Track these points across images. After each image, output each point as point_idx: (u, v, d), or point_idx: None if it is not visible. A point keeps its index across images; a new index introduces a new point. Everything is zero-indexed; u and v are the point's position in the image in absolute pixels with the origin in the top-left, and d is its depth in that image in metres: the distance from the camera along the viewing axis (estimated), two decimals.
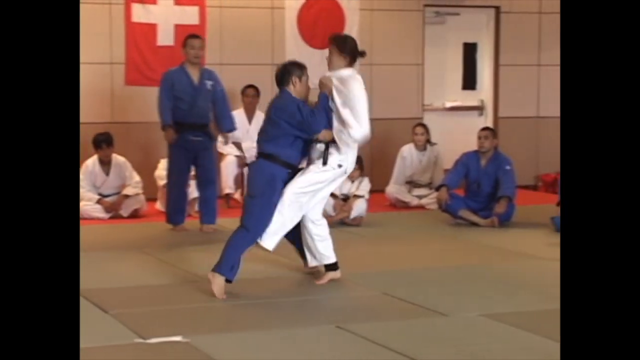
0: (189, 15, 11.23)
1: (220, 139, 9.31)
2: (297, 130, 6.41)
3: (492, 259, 7.77)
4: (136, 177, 10.08)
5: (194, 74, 8.90)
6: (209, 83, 8.92)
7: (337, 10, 11.89)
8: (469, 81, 13.15)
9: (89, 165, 9.91)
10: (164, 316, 5.75)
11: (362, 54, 6.62)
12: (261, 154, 6.51)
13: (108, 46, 10.96)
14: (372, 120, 6.65)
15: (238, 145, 10.78)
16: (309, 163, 6.53)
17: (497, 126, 12.37)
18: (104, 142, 9.87)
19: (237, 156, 10.76)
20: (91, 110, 10.52)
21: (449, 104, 13.08)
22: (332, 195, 8.65)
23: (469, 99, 13.14)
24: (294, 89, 6.49)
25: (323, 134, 6.44)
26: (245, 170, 10.82)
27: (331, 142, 6.45)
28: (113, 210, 9.94)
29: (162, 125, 8.83)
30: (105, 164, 10.00)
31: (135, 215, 10.02)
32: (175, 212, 9.05)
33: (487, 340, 5.19)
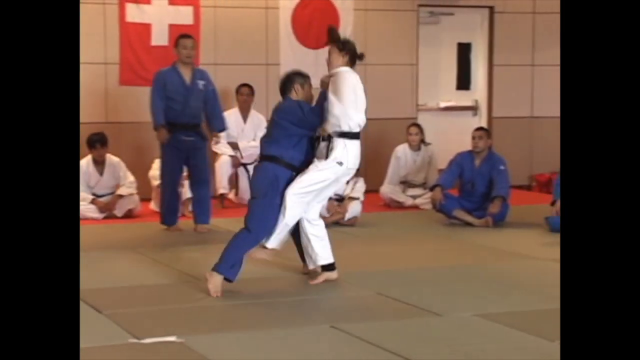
0: (183, 15, 11.23)
1: (215, 139, 9.30)
2: (300, 128, 6.45)
3: (486, 259, 7.78)
4: (130, 177, 10.07)
5: (186, 74, 8.89)
6: (201, 83, 8.91)
7: (332, 10, 11.90)
8: (463, 81, 13.16)
9: (83, 165, 9.89)
10: (158, 316, 5.75)
11: (361, 56, 6.64)
12: (264, 156, 6.54)
13: (102, 46, 10.95)
14: (367, 120, 6.66)
15: (233, 145, 10.78)
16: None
17: (491, 126, 12.38)
18: (98, 142, 9.86)
19: (231, 156, 10.75)
20: (85, 110, 10.46)
21: (443, 104, 13.09)
22: None
23: (463, 99, 13.15)
24: (297, 96, 6.59)
25: (323, 129, 6.47)
26: (240, 170, 10.85)
27: (331, 138, 6.47)
28: (107, 211, 9.93)
29: (155, 125, 8.82)
30: (99, 164, 9.99)
31: (129, 215, 10.01)
32: (169, 212, 9.04)
33: (481, 340, 5.19)
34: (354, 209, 9.37)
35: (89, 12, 10.64)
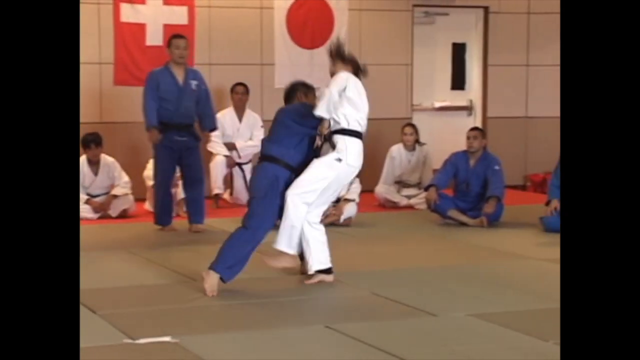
0: (178, 15, 11.22)
1: (212, 138, 9.31)
2: (302, 127, 6.49)
3: (481, 259, 7.78)
4: (125, 177, 10.06)
5: (179, 74, 8.88)
6: (193, 83, 8.91)
7: (326, 10, 11.90)
8: (458, 81, 13.17)
9: None
10: (153, 316, 5.74)
11: (365, 72, 6.65)
12: (264, 157, 6.55)
13: (97, 46, 10.94)
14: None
15: (231, 145, 10.77)
16: None
17: (486, 126, 12.39)
18: (92, 142, 9.84)
19: (226, 156, 10.75)
20: (80, 110, 10.47)
21: (437, 104, 13.09)
22: None
23: (457, 99, 13.16)
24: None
25: (323, 127, 6.50)
26: (235, 170, 10.84)
27: (331, 135, 6.49)
28: (102, 211, 9.92)
29: (147, 126, 8.81)
30: (94, 164, 9.98)
31: (123, 215, 10.00)
32: (163, 212, 9.03)
33: (476, 340, 5.20)
34: (349, 211, 9.37)
35: (83, 12, 10.60)
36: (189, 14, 11.27)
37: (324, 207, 6.71)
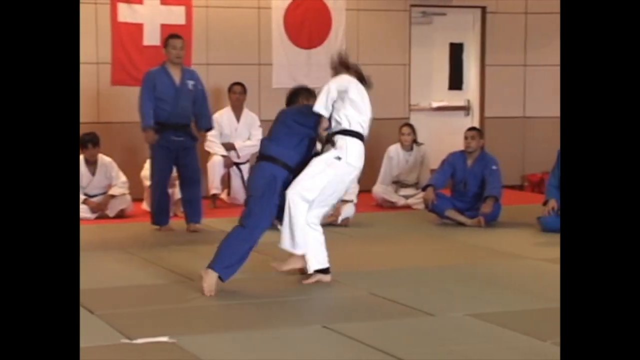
0: (176, 15, 11.21)
1: (209, 138, 9.30)
2: (302, 127, 6.49)
3: (478, 258, 7.78)
4: (122, 177, 10.06)
5: (176, 74, 8.88)
6: (190, 83, 8.91)
7: (324, 10, 11.89)
8: (456, 81, 13.17)
9: None
10: (150, 316, 5.74)
11: (369, 83, 6.65)
12: (262, 156, 6.55)
13: (94, 46, 10.93)
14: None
15: (229, 145, 10.77)
16: None
17: (484, 126, 12.40)
18: (90, 142, 9.84)
19: (223, 156, 10.74)
20: None
21: (435, 104, 13.10)
22: None
23: (455, 99, 13.17)
24: None
25: (323, 128, 6.50)
26: (233, 170, 10.84)
27: (332, 137, 6.49)
28: (99, 211, 9.92)
29: (143, 126, 8.80)
30: (91, 164, 9.97)
31: (121, 215, 10.00)
32: (160, 212, 9.03)
33: (474, 340, 5.19)
34: (347, 211, 9.36)
35: (81, 12, 10.51)
36: (187, 13, 11.27)
37: (324, 210, 6.66)
